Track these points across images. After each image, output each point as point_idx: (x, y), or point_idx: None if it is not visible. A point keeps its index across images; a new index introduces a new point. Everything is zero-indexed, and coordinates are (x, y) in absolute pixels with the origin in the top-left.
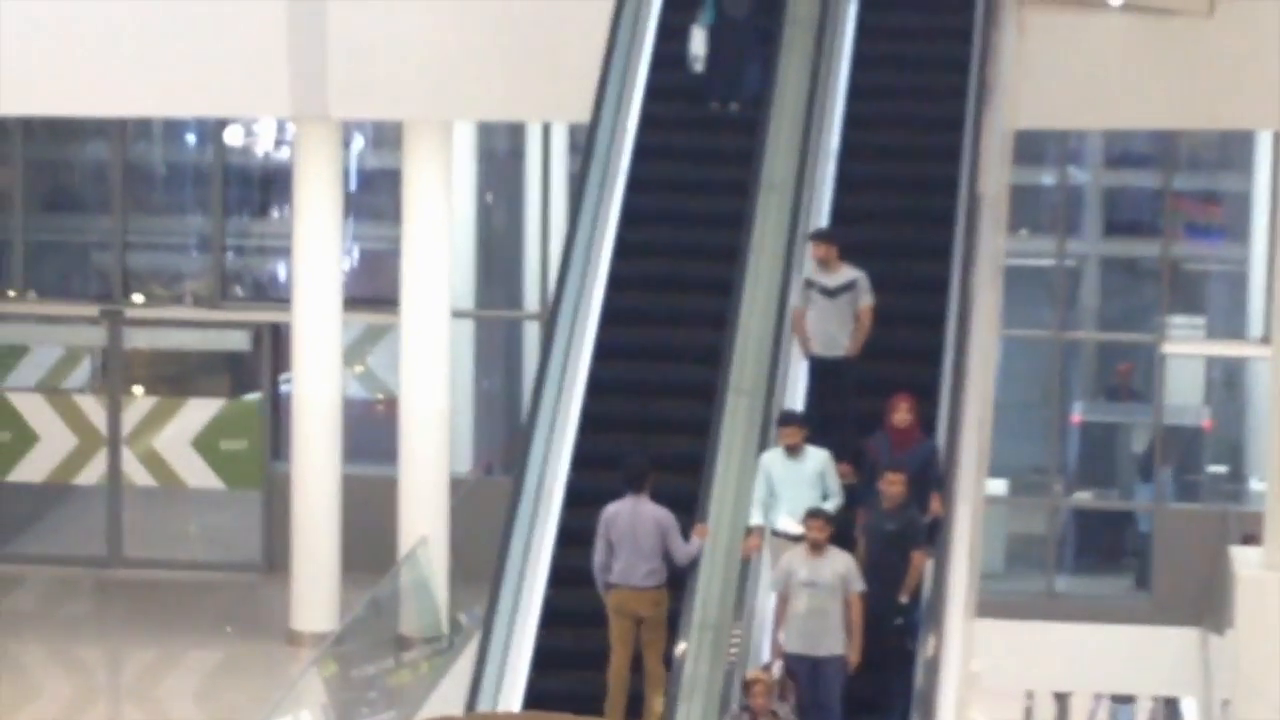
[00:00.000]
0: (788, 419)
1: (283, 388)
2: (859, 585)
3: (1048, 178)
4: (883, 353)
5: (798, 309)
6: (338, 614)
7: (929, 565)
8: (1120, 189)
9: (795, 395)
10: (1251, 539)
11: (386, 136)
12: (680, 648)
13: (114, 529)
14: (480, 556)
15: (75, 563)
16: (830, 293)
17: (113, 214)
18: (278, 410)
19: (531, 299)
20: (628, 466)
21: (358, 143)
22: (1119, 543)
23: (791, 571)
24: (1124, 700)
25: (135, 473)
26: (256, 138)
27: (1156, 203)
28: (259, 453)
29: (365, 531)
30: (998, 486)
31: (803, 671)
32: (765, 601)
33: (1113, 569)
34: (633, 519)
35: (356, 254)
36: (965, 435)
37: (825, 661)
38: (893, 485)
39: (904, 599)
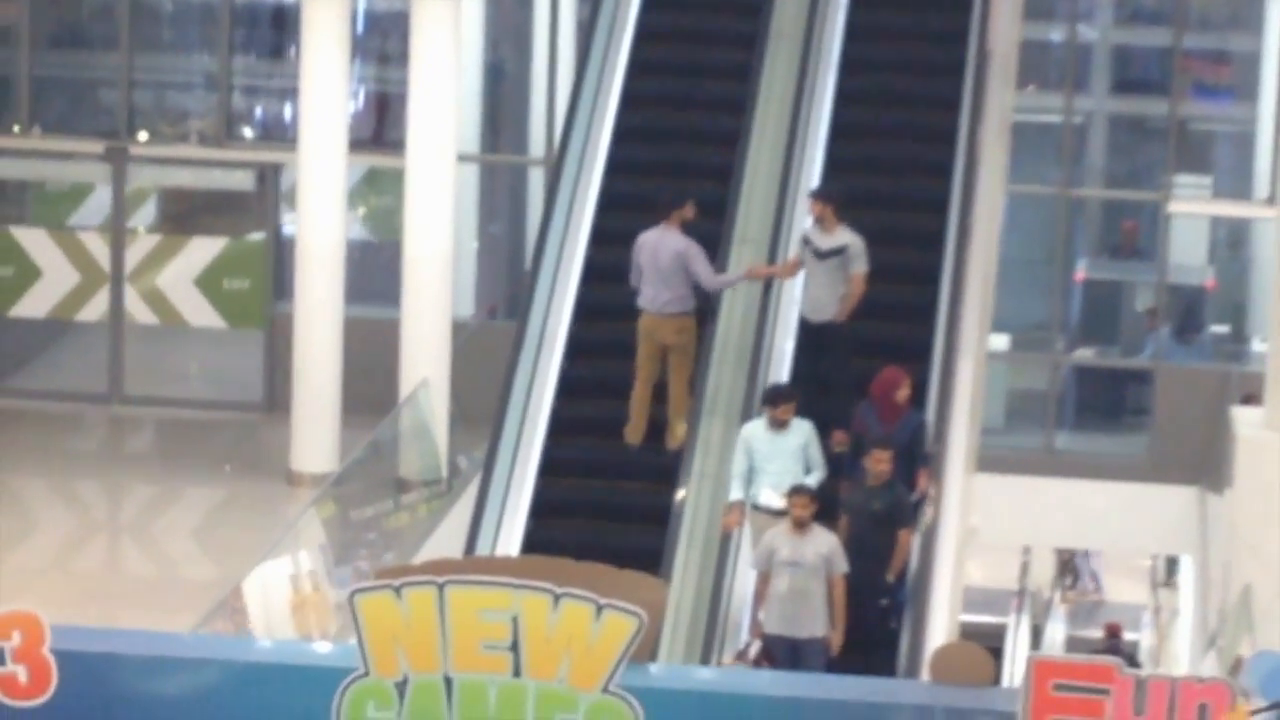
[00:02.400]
0: (780, 396)
1: (286, 228)
2: (843, 566)
3: (1057, 34)
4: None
5: (792, 260)
6: (337, 455)
7: (915, 543)
8: (1129, 47)
9: (784, 358)
10: (1252, 399)
11: None
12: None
13: (115, 366)
14: (481, 401)
15: (76, 399)
16: (821, 255)
17: (120, 51)
18: (281, 250)
19: (537, 145)
20: (658, 198)
21: None
22: (1120, 400)
23: (773, 550)
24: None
25: (138, 310)
26: None
27: (1165, 61)
28: (261, 292)
29: (366, 373)
30: (1000, 342)
31: (782, 653)
32: (745, 579)
33: (1113, 427)
34: (656, 248)
35: (362, 96)
36: (969, 289)
37: (806, 643)
38: (880, 463)
39: (890, 578)
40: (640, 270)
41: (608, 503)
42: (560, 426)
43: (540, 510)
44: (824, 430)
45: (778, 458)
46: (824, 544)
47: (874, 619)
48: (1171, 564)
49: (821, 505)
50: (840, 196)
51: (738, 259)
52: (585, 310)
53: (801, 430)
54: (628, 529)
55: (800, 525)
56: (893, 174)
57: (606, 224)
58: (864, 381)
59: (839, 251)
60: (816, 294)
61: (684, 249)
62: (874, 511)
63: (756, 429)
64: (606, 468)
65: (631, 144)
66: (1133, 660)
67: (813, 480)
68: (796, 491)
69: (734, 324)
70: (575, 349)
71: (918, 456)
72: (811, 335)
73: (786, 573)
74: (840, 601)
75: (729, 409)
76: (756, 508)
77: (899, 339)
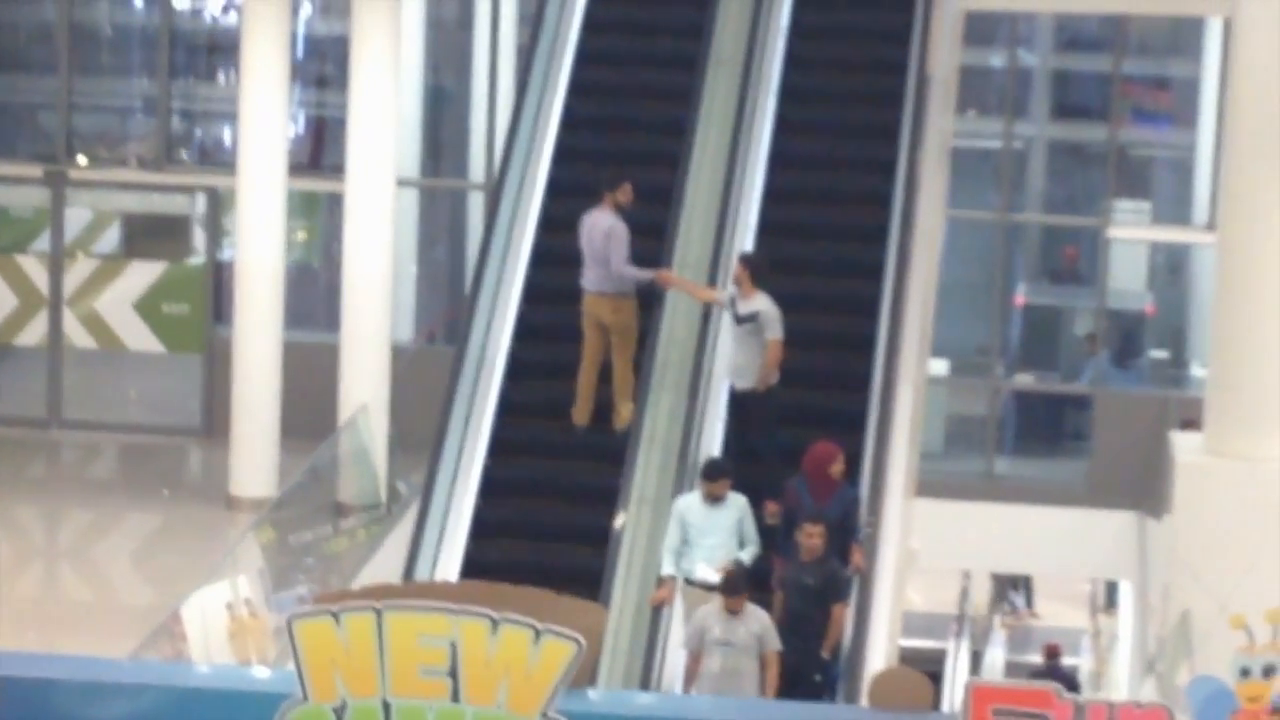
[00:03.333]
0: (717, 471)
1: (226, 252)
2: (775, 644)
3: (997, 60)
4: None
5: (711, 291)
6: (276, 480)
7: (849, 619)
8: (1069, 72)
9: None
10: (1191, 424)
11: (335, 4)
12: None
13: (54, 390)
14: (420, 425)
15: (14, 423)
16: (737, 320)
17: (58, 75)
18: (220, 275)
19: (477, 169)
20: (599, 179)
21: (306, 9)
22: (1059, 425)
23: (705, 629)
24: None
25: (76, 334)
26: (204, 1)
27: (1105, 87)
28: (200, 317)
29: (305, 398)
30: (939, 367)
31: None
32: (676, 658)
33: (1052, 452)
34: (591, 228)
35: (302, 121)
36: (908, 315)
37: None
38: (811, 538)
39: (825, 654)
40: (582, 250)
41: (555, 482)
42: (509, 409)
43: (489, 491)
44: (755, 500)
45: (712, 532)
46: (756, 623)
47: (808, 696)
48: (1112, 589)
49: (755, 580)
50: (758, 263)
51: (674, 293)
52: (533, 295)
53: (737, 505)
54: (575, 509)
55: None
56: (828, 231)
57: (547, 245)
58: (795, 451)
59: (752, 318)
60: (737, 360)
61: (608, 229)
62: (807, 587)
63: (691, 502)
64: (554, 448)
65: (572, 165)
66: (1072, 681)
67: (746, 556)
68: (731, 590)
69: (679, 310)
70: (523, 333)
71: (851, 531)
72: (737, 403)
73: (719, 652)
74: (773, 681)
75: (677, 386)
76: (690, 582)
77: (832, 408)
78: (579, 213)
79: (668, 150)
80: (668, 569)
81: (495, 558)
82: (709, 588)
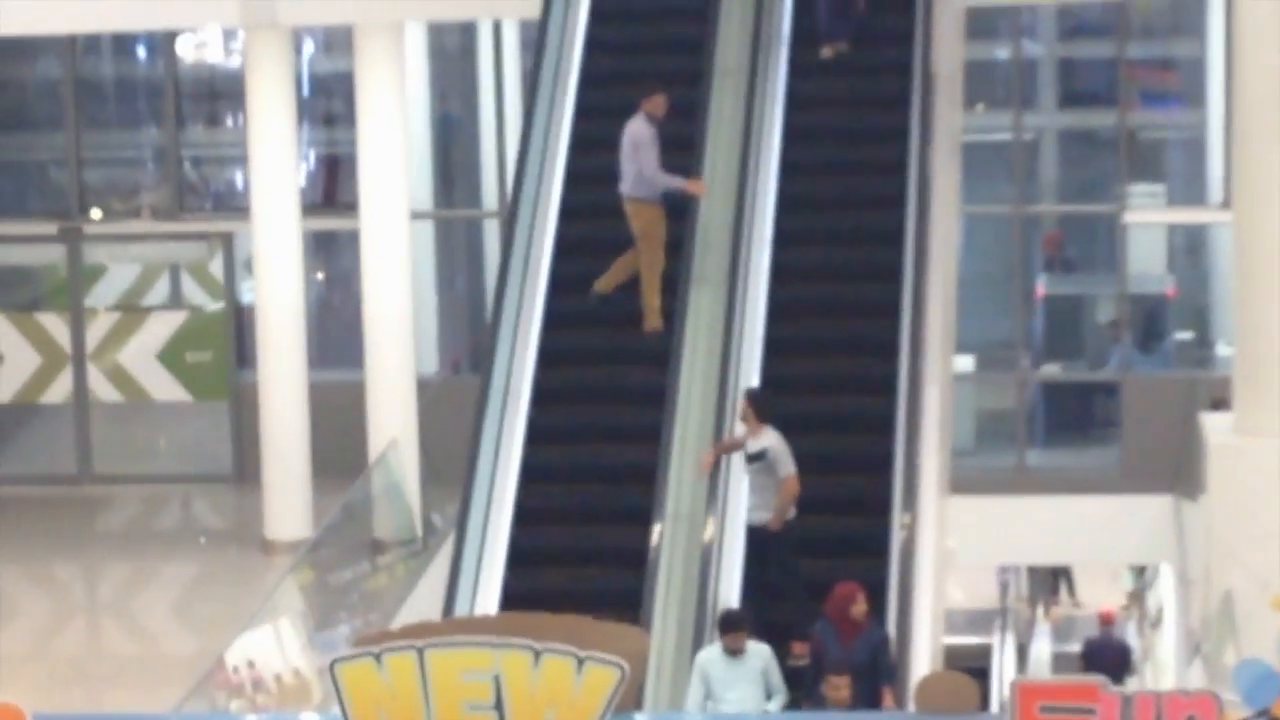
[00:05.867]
0: (732, 623)
1: (245, 297)
2: None
3: (1002, 52)
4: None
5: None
6: (311, 521)
7: None
8: (1075, 60)
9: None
10: (1220, 404)
11: (338, 40)
12: None
13: (83, 446)
14: (450, 457)
15: (45, 481)
16: (748, 458)
17: (67, 130)
18: (241, 320)
19: (490, 197)
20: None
21: (309, 47)
22: (1089, 414)
23: None
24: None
25: (101, 389)
26: (207, 46)
27: (1112, 72)
28: (224, 363)
29: (335, 437)
30: (965, 363)
31: None
32: None
33: (1083, 440)
34: (627, 134)
35: (313, 160)
36: (930, 314)
37: None
38: (838, 690)
39: None
40: None
41: (589, 504)
42: (537, 435)
43: (523, 518)
44: (781, 640)
45: (736, 685)
46: None
47: None
48: (1140, 574)
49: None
50: (763, 399)
51: (697, 300)
52: (553, 320)
53: (760, 654)
54: (610, 530)
55: None
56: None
57: (564, 269)
58: (818, 585)
59: (760, 455)
60: (752, 497)
61: (636, 134)
62: None
63: (712, 656)
64: (585, 471)
65: (584, 188)
66: (1125, 651)
67: (775, 706)
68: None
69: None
70: (546, 358)
71: (882, 673)
72: (754, 539)
73: None
74: None
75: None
76: None
77: (851, 534)
78: (594, 235)
79: (680, 166)
80: None
81: (534, 585)
82: None
